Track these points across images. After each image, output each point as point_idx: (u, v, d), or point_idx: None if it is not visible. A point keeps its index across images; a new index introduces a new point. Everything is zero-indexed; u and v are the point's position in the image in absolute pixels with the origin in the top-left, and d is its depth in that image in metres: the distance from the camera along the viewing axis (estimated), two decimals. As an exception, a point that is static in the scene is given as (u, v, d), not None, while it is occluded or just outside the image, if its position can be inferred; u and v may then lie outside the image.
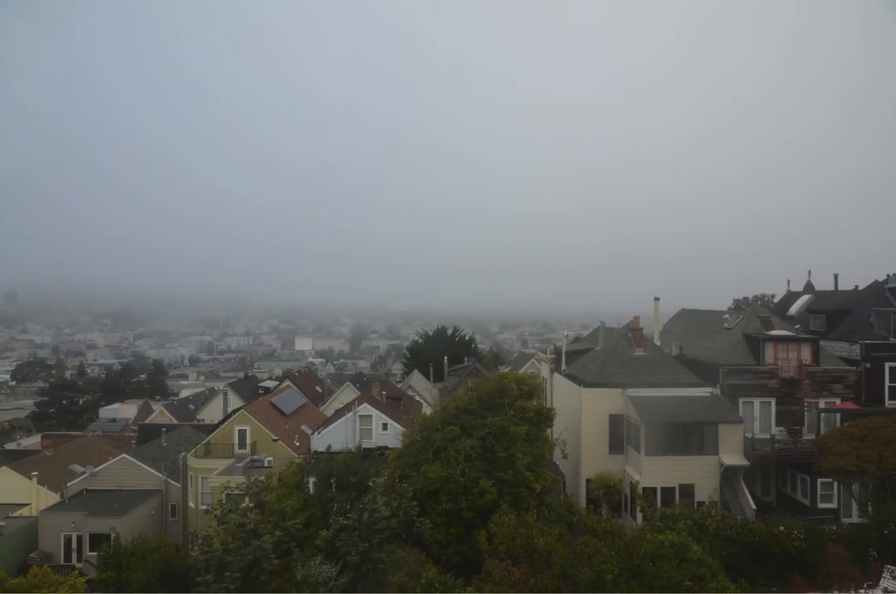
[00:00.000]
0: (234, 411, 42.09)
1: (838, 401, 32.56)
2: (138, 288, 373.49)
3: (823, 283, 44.14)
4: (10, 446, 59.24)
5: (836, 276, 42.85)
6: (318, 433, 36.42)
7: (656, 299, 37.90)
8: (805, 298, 41.43)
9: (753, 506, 28.55)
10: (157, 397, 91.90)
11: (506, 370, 54.76)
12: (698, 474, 29.36)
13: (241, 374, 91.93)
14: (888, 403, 32.07)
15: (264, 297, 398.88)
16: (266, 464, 36.29)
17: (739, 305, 66.59)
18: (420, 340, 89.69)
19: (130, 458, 38.61)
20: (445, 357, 69.00)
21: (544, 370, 41.48)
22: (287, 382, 62.38)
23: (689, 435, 29.83)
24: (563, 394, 36.55)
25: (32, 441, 61.35)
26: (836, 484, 30.03)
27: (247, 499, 24.64)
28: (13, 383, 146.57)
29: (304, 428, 41.95)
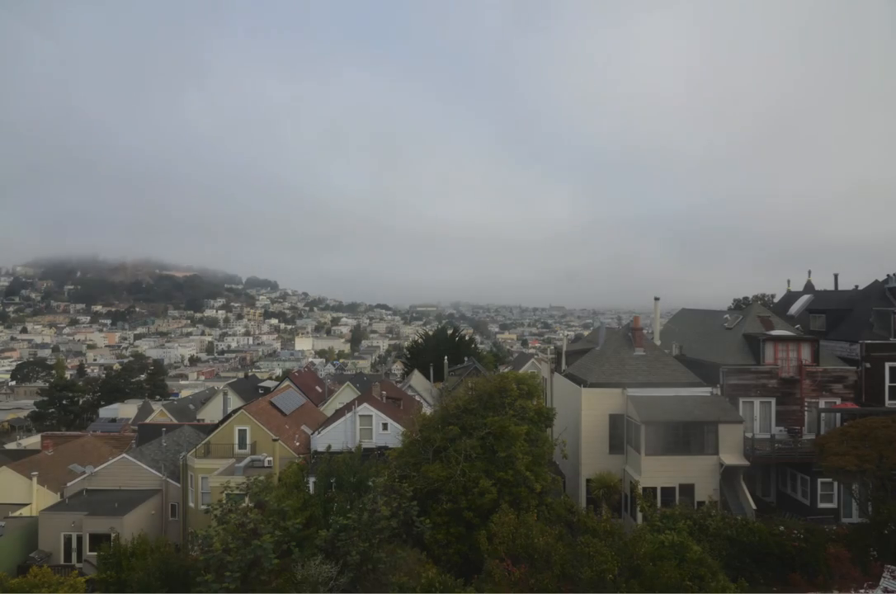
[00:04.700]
0: (234, 411, 42.03)
1: (838, 401, 32.59)
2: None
3: (823, 283, 44.19)
4: (10, 446, 59.08)
5: (836, 276, 42.78)
6: (318, 433, 36.45)
7: (656, 299, 37.94)
8: (805, 298, 41.43)
9: (753, 506, 28.54)
10: (157, 397, 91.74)
11: (506, 370, 54.90)
12: (698, 474, 29.38)
13: (241, 374, 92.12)
14: (888, 403, 32.05)
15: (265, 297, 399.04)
16: (266, 464, 36.28)
17: (739, 305, 66.70)
18: (420, 340, 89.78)
19: (130, 458, 38.55)
20: (445, 357, 69.20)
21: (544, 370, 41.53)
22: (287, 382, 62.28)
23: (689, 435, 29.83)
24: (563, 394, 36.57)
25: (32, 441, 61.24)
26: (836, 484, 30.07)
27: (247, 499, 24.61)
28: (13, 383, 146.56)
29: (304, 428, 41.92)
